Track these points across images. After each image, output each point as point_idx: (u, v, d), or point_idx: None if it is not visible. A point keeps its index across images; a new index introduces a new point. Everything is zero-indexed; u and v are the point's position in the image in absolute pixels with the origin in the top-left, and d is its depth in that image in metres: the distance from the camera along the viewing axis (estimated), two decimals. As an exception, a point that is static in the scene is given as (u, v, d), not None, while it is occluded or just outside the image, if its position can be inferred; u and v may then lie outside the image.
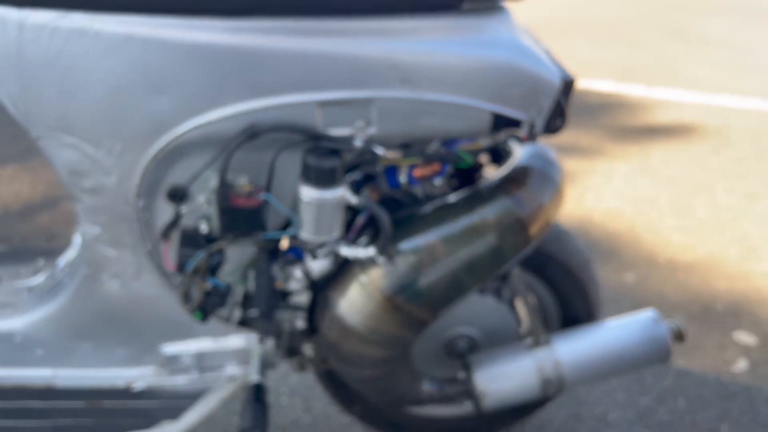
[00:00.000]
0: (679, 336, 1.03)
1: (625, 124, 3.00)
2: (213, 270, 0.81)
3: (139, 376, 0.95)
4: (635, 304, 1.63)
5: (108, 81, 0.73)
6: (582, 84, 3.46)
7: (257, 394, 0.87)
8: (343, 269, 0.87)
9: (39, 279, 0.98)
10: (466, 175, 1.06)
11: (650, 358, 1.02)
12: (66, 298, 0.92)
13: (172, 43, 0.72)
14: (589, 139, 2.82)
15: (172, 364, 0.95)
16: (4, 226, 0.95)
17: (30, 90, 0.75)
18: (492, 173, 0.96)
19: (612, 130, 2.92)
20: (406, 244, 0.84)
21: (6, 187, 0.92)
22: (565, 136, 2.74)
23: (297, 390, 1.34)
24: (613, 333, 1.04)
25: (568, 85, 0.79)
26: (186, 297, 0.81)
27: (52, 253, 0.97)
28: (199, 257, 0.79)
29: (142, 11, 0.71)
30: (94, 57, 0.72)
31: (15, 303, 0.95)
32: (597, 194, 2.29)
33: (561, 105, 0.80)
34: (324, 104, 0.76)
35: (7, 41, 0.73)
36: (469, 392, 1.02)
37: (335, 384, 1.12)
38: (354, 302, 0.85)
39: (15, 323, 0.94)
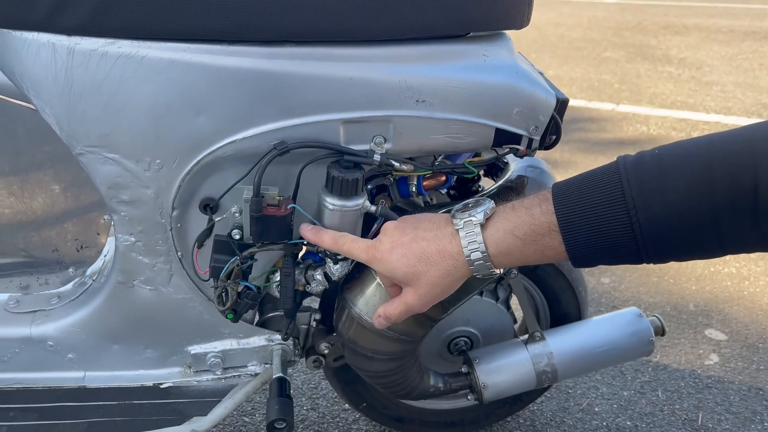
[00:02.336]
0: (660, 330, 1.13)
1: (595, 138, 3.15)
2: (245, 274, 0.88)
3: (167, 375, 1.01)
4: (613, 305, 1.74)
5: (150, 102, 0.81)
6: (553, 99, 3.61)
7: (281, 388, 0.94)
8: (359, 272, 0.95)
9: (68, 287, 1.03)
10: (464, 186, 1.16)
11: (635, 351, 1.13)
12: (98, 304, 0.98)
13: (211, 68, 0.79)
14: (562, 152, 2.96)
15: (198, 363, 1.01)
16: (36, 235, 1.00)
17: (76, 111, 0.82)
18: (489, 183, 1.06)
19: (583, 144, 3.07)
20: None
21: (37, 197, 0.98)
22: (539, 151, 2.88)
23: (303, 390, 1.41)
24: (601, 328, 1.14)
25: (562, 104, 0.89)
26: (220, 299, 0.88)
27: (81, 262, 1.03)
28: (233, 262, 0.86)
29: (184, 39, 0.78)
30: (139, 80, 0.80)
31: (46, 310, 1.01)
32: (573, 204, 2.41)
33: (556, 122, 0.90)
34: (347, 122, 0.84)
35: (57, 66, 0.80)
36: (471, 385, 1.10)
37: (343, 382, 1.19)
38: (370, 301, 0.93)
39: (47, 329, 0.99)
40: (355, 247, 0.80)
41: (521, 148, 0.90)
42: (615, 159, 0.66)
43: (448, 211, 0.78)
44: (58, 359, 1.00)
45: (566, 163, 2.82)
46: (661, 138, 3.15)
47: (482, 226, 0.71)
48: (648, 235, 0.61)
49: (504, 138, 0.89)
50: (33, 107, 0.88)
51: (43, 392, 0.98)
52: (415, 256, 0.74)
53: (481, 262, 0.71)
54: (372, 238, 0.94)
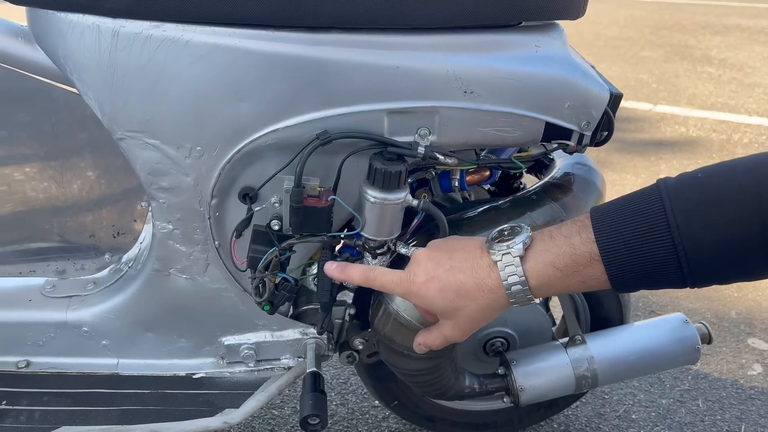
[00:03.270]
0: (707, 338, 1.09)
1: (632, 138, 3.08)
2: (283, 266, 0.87)
3: (200, 365, 1.00)
4: (651, 310, 1.69)
5: (193, 88, 0.79)
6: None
7: (315, 383, 0.93)
8: (398, 267, 0.93)
9: (104, 273, 1.03)
10: (506, 182, 1.13)
11: (680, 359, 1.08)
12: (133, 292, 0.97)
13: (255, 54, 0.77)
14: (598, 152, 2.90)
15: (231, 355, 1.00)
16: (73, 222, 1.00)
17: (119, 95, 0.81)
18: (532, 180, 1.03)
19: (620, 144, 3.00)
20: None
21: (75, 182, 0.97)
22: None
23: (332, 385, 1.39)
24: (644, 333, 1.09)
25: (616, 99, 0.86)
26: (257, 291, 0.86)
27: (117, 249, 1.02)
28: (271, 253, 0.85)
29: (229, 23, 0.77)
30: (182, 65, 0.78)
31: (82, 296, 1.00)
32: (609, 205, 2.36)
33: (609, 118, 0.86)
34: (391, 113, 0.81)
35: (101, 48, 0.79)
36: (507, 387, 1.07)
37: (375, 378, 1.17)
38: (409, 298, 0.91)
39: (82, 315, 0.99)
40: (388, 280, 0.77)
41: (571, 143, 0.87)
42: (655, 182, 0.64)
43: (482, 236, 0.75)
44: (93, 345, 1.00)
45: (602, 163, 2.75)
46: (700, 140, 3.07)
47: (521, 257, 0.68)
48: (694, 262, 0.59)
49: (553, 133, 0.86)
50: (75, 91, 0.87)
51: (77, 378, 0.98)
52: (453, 290, 0.71)
53: (522, 294, 0.69)
54: (412, 234, 0.91)
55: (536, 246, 0.68)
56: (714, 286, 1.78)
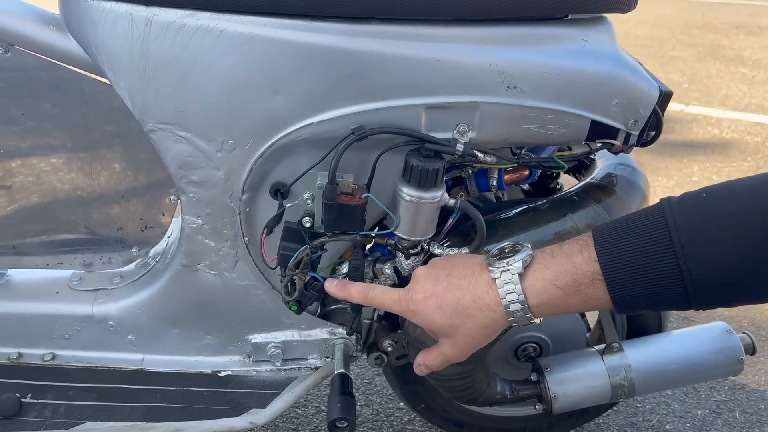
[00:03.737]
0: (750, 348, 1.04)
1: (663, 139, 3.00)
2: (313, 264, 0.84)
3: (226, 363, 0.98)
4: (685, 317, 1.64)
5: (227, 79, 0.77)
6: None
7: (343, 385, 0.90)
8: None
9: (131, 267, 1.01)
10: (543, 182, 1.09)
11: (722, 370, 1.04)
12: (160, 286, 0.95)
13: (291, 45, 0.75)
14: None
15: (257, 353, 0.98)
16: (101, 214, 0.99)
17: (150, 85, 0.79)
18: (570, 182, 0.99)
19: (651, 146, 2.94)
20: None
21: (103, 174, 0.96)
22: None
23: (356, 385, 1.37)
24: (685, 342, 1.05)
25: (665, 97, 0.82)
26: (286, 289, 0.84)
27: (145, 242, 1.01)
28: (302, 251, 0.82)
29: (265, 12, 0.74)
30: (216, 55, 0.76)
31: (108, 289, 0.99)
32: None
33: (658, 117, 0.82)
34: (430, 108, 0.78)
35: (133, 37, 0.77)
36: (540, 394, 1.04)
37: (402, 381, 1.14)
38: (442, 300, 0.88)
39: (109, 309, 0.97)
40: (387, 298, 0.74)
41: (617, 143, 0.83)
42: (659, 201, 0.62)
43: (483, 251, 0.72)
44: (118, 340, 0.98)
45: (632, 165, 2.69)
46: (734, 142, 2.99)
47: (521, 275, 0.65)
48: (698, 282, 0.57)
49: (599, 131, 0.82)
50: (106, 81, 0.85)
51: (102, 372, 0.97)
52: (451, 307, 0.68)
53: (521, 313, 0.66)
54: (446, 234, 0.88)
55: (536, 264, 0.66)
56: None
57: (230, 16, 0.74)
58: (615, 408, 1.34)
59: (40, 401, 0.93)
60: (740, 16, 6.71)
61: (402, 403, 1.33)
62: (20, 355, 0.99)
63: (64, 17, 0.83)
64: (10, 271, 1.02)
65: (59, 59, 0.87)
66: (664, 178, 2.55)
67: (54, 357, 0.99)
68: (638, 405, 1.35)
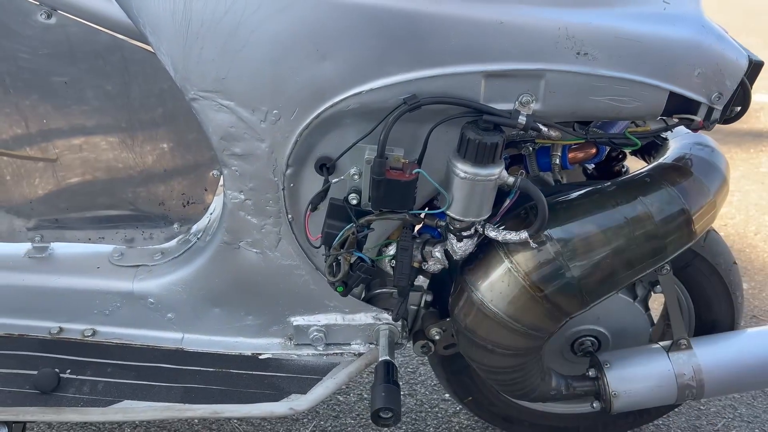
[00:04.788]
0: (835, 351, 0.95)
1: (728, 129, 2.84)
2: (359, 244, 0.79)
3: (266, 345, 0.95)
4: (753, 314, 1.53)
5: (272, 43, 0.72)
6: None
7: (388, 373, 0.85)
8: (483, 252, 0.84)
9: (172, 243, 0.99)
10: (607, 164, 1.01)
11: (801, 373, 0.95)
12: (201, 264, 0.92)
13: (341, 5, 0.70)
14: (691, 141, 2.69)
15: (299, 336, 0.94)
16: (143, 189, 0.96)
17: (193, 50, 0.75)
18: (637, 165, 0.91)
19: (714, 135, 2.78)
20: (559, 230, 0.79)
21: (147, 150, 0.93)
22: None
23: (400, 374, 1.32)
24: (759, 341, 0.96)
25: (755, 67, 0.73)
26: (330, 270, 0.79)
27: (187, 219, 0.98)
28: (348, 230, 0.77)
29: (314, -28, 0.69)
30: (262, 16, 0.71)
31: (149, 266, 0.96)
32: (703, 198, 2.17)
33: (745, 89, 0.74)
34: (490, 76, 0.72)
35: (175, 0, 0.73)
36: (599, 392, 0.97)
37: (450, 371, 1.09)
38: (496, 287, 0.82)
39: (149, 285, 0.95)
40: None
41: (698, 118, 0.75)
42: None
43: None
44: (158, 318, 0.96)
45: (695, 153, 2.55)
46: (806, 132, 2.80)
47: None
48: None
49: (677, 105, 0.74)
50: (149, 48, 0.82)
51: (141, 350, 0.95)
52: None
53: None
54: (502, 216, 0.82)
55: None
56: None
57: (277, -26, 0.69)
58: (676, 409, 1.26)
59: (78, 377, 0.91)
60: (813, 0, 6.34)
61: (448, 395, 1.28)
62: (61, 329, 0.98)
63: (106, -21, 0.80)
64: (54, 245, 1.01)
65: (102, 25, 0.84)
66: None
67: (94, 333, 0.97)
68: (702, 407, 1.26)
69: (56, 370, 0.91)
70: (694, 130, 0.77)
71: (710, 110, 0.75)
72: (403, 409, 1.25)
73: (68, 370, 0.92)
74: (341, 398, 1.28)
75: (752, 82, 0.74)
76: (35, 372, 0.91)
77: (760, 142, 2.70)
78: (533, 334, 0.83)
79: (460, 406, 1.24)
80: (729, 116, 0.77)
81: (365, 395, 1.28)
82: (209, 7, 0.71)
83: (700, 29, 0.71)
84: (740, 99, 0.75)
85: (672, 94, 0.73)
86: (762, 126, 2.89)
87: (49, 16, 0.85)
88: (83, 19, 0.84)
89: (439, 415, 1.25)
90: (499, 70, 0.71)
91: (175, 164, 0.96)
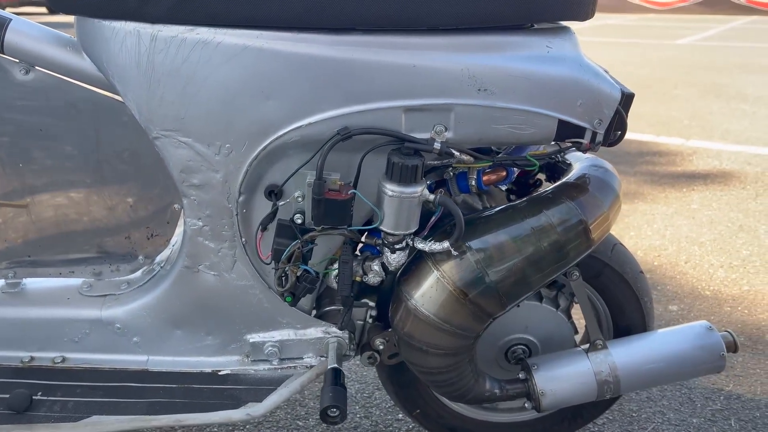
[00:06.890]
0: (732, 346, 1.07)
1: (663, 171, 3.06)
2: (305, 258, 0.90)
3: (225, 363, 1.03)
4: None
5: (223, 87, 0.85)
6: (619, 133, 3.55)
7: (335, 378, 0.94)
8: (415, 264, 0.95)
9: (137, 274, 1.08)
10: (524, 186, 1.15)
11: (704, 366, 1.07)
12: (164, 289, 1.01)
13: (281, 54, 0.83)
14: (629, 183, 2.89)
15: (256, 352, 1.03)
16: (112, 226, 1.05)
17: (155, 95, 0.87)
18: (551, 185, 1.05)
19: (651, 176, 2.99)
20: (477, 242, 0.92)
21: (115, 190, 1.03)
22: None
23: (356, 398, 1.40)
24: (668, 340, 1.09)
25: (628, 98, 0.88)
26: (280, 282, 0.90)
27: (151, 251, 1.07)
28: (294, 245, 0.88)
29: (258, 26, 0.83)
30: (213, 65, 0.84)
31: (116, 294, 1.05)
32: (638, 233, 2.34)
33: (621, 117, 0.89)
34: (408, 110, 0.86)
35: (140, 52, 0.85)
36: (528, 392, 1.07)
37: (397, 385, 1.18)
38: (427, 294, 0.93)
39: (116, 312, 1.03)
40: None
41: (585, 141, 0.89)
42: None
43: None
44: (125, 342, 1.04)
45: (633, 195, 2.74)
46: (734, 172, 3.03)
47: None
48: None
49: (567, 131, 0.89)
50: (118, 98, 0.94)
51: (109, 373, 1.02)
52: None
53: None
54: (429, 231, 0.94)
55: None
56: (747, 309, 1.73)
57: (226, 30, 0.83)
58: (609, 416, 1.36)
59: (49, 398, 0.98)
60: (743, 57, 6.85)
61: (400, 414, 1.36)
62: (32, 358, 1.05)
63: (80, 38, 0.92)
64: (26, 280, 1.09)
65: (75, 78, 0.96)
66: (663, 206, 2.59)
67: (64, 360, 1.05)
68: (634, 414, 1.37)
69: (28, 392, 0.98)
70: (583, 151, 0.91)
71: (594, 134, 0.90)
72: (359, 430, 1.32)
73: (39, 393, 0.99)
74: (301, 423, 1.35)
75: (627, 111, 0.89)
76: (8, 395, 0.97)
77: (692, 182, 2.92)
78: (462, 333, 0.94)
79: (413, 425, 1.33)
80: (612, 139, 0.92)
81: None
82: (169, 57, 0.84)
83: (578, 67, 0.86)
84: (619, 124, 0.90)
85: (561, 122, 0.87)
86: (694, 168, 3.12)
87: (27, 72, 0.97)
88: (59, 74, 0.96)
89: (393, 433, 1.33)
90: (416, 104, 0.85)
91: (140, 199, 1.06)
